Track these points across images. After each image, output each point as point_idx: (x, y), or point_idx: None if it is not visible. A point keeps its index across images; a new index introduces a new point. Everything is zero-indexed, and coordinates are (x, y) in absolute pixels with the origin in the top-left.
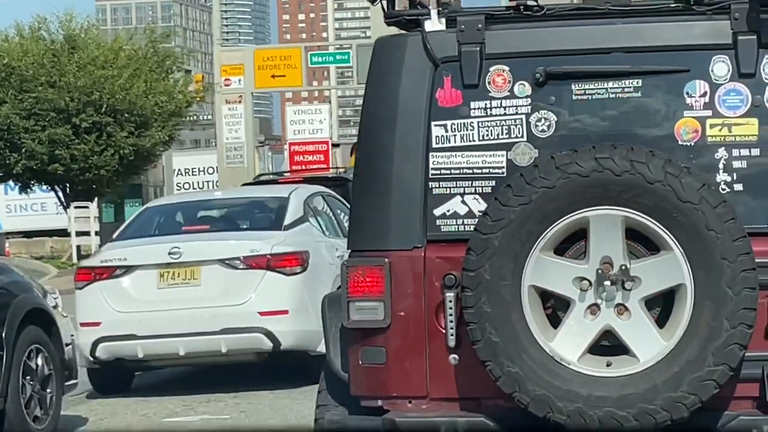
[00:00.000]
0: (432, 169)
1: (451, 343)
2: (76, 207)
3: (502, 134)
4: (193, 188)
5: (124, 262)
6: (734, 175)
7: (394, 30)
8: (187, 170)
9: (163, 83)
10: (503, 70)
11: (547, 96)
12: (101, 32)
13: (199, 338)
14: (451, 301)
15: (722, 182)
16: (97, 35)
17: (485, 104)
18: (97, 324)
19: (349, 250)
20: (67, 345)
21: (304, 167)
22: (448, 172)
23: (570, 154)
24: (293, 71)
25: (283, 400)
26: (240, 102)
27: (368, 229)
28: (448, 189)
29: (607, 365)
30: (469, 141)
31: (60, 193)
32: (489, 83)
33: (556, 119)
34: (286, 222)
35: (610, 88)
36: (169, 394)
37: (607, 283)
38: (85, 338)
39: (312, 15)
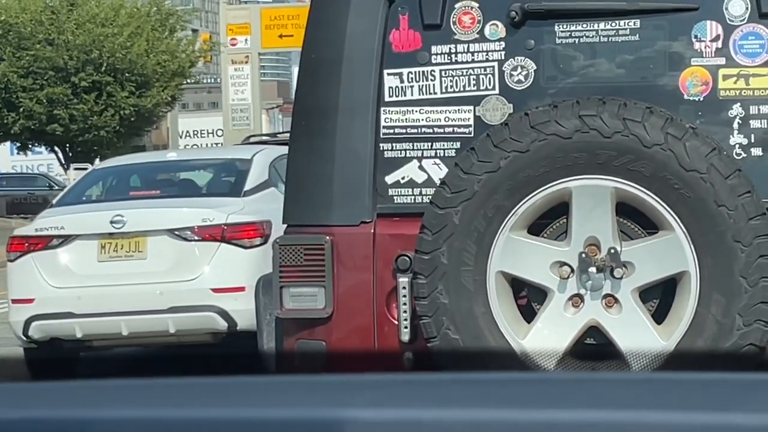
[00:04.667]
0: (384, 127)
1: (405, 337)
2: (75, 168)
3: (470, 86)
4: None
5: (61, 231)
6: (752, 137)
7: None
8: (195, 132)
9: (165, 42)
10: (471, 8)
11: (525, 39)
12: None
13: (144, 317)
14: (405, 288)
15: (737, 146)
16: None
17: (449, 49)
18: (30, 301)
19: (284, 225)
20: None
21: None
22: (404, 131)
23: (548, 111)
24: (301, 31)
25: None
26: (246, 62)
27: (306, 201)
28: (403, 152)
29: (592, 369)
30: (430, 94)
31: (60, 154)
32: (454, 23)
33: (535, 68)
34: (247, 187)
35: (602, 30)
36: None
37: (593, 269)
38: (16, 316)
39: None
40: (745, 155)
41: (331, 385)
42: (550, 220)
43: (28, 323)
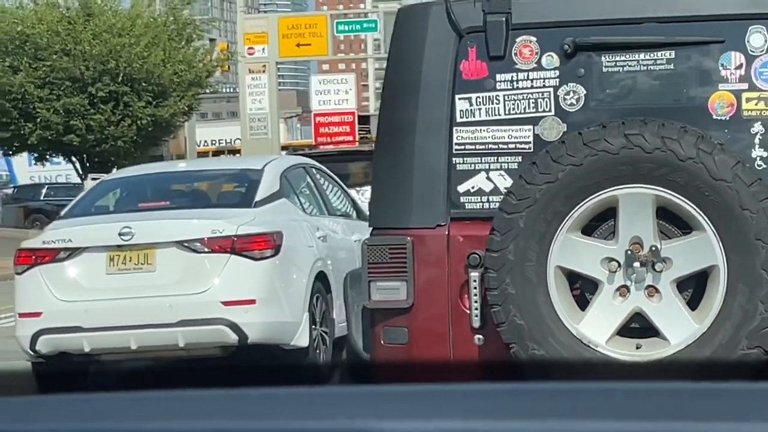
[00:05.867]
0: (456, 144)
1: (476, 323)
2: (93, 179)
3: (529, 108)
4: None
5: (68, 244)
6: None
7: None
8: (213, 141)
9: (182, 52)
10: (530, 41)
11: (576, 68)
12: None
13: (153, 331)
14: (475, 281)
15: (758, 159)
16: (114, 2)
17: (511, 77)
18: (37, 314)
19: (371, 228)
20: None
21: (329, 139)
22: (473, 147)
23: (598, 130)
24: (319, 40)
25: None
26: (264, 72)
27: (390, 207)
28: (473, 165)
29: (637, 348)
30: (495, 115)
31: (77, 165)
32: (515, 55)
33: (585, 92)
34: (258, 198)
35: (642, 59)
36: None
37: (637, 264)
38: (24, 330)
39: None
40: (765, 166)
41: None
42: (601, 223)
43: (35, 337)
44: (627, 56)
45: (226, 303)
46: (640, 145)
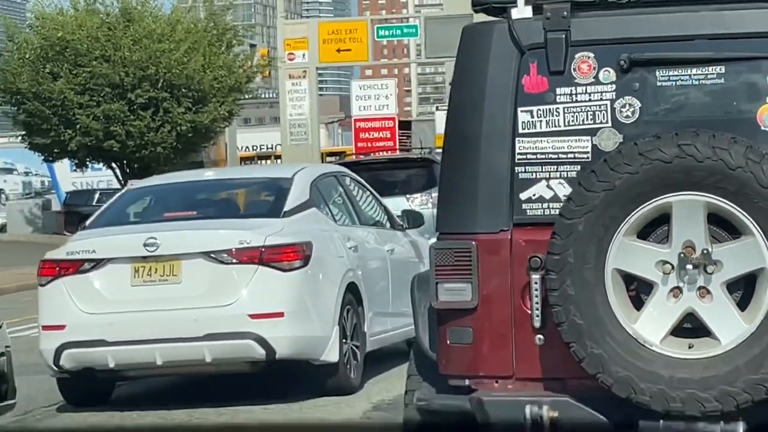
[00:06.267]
0: (518, 153)
1: (537, 323)
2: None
3: (587, 120)
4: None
5: (92, 255)
6: None
7: (459, 7)
8: (254, 147)
9: (222, 57)
10: (588, 57)
11: (632, 82)
12: (158, 5)
13: (179, 345)
14: (536, 283)
15: None
16: (154, 8)
17: (570, 90)
18: (61, 327)
19: (438, 233)
20: (7, 348)
21: (369, 144)
22: (534, 156)
23: (653, 141)
24: (359, 45)
25: (277, 416)
26: (304, 77)
27: (456, 213)
28: (534, 173)
29: (689, 347)
30: (555, 126)
31: (117, 171)
32: (574, 70)
33: (640, 105)
34: (287, 208)
35: (694, 74)
36: (151, 406)
37: (690, 266)
38: (47, 344)
39: None
40: None
41: None
42: (655, 227)
43: (59, 351)
44: (679, 71)
45: (253, 316)
46: (693, 155)
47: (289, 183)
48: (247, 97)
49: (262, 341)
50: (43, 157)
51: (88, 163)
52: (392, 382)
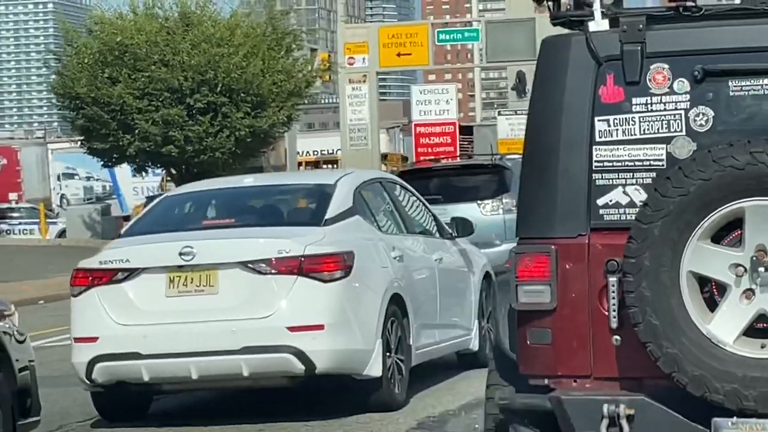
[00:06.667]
0: (595, 161)
1: (614, 324)
2: None
3: (662, 129)
4: None
5: (126, 264)
6: None
7: (522, 11)
8: (314, 152)
9: (281, 62)
10: (663, 68)
11: (705, 92)
12: (218, 9)
13: (215, 358)
14: (613, 286)
15: None
16: (213, 12)
17: (646, 100)
18: (93, 339)
19: (518, 237)
20: (22, 371)
21: (429, 150)
22: (611, 164)
23: (726, 148)
24: (420, 49)
25: None
26: (364, 81)
27: (535, 218)
28: (611, 180)
29: (762, 347)
30: (631, 135)
31: (176, 176)
32: (650, 80)
33: (713, 114)
34: (328, 215)
35: (765, 84)
36: (188, 422)
37: (762, 269)
38: (79, 356)
39: None
40: None
41: None
42: (728, 231)
43: (91, 365)
44: (752, 81)
45: (292, 329)
46: (764, 162)
47: (332, 189)
48: (306, 102)
49: (301, 355)
50: (102, 162)
51: (147, 168)
52: (439, 398)
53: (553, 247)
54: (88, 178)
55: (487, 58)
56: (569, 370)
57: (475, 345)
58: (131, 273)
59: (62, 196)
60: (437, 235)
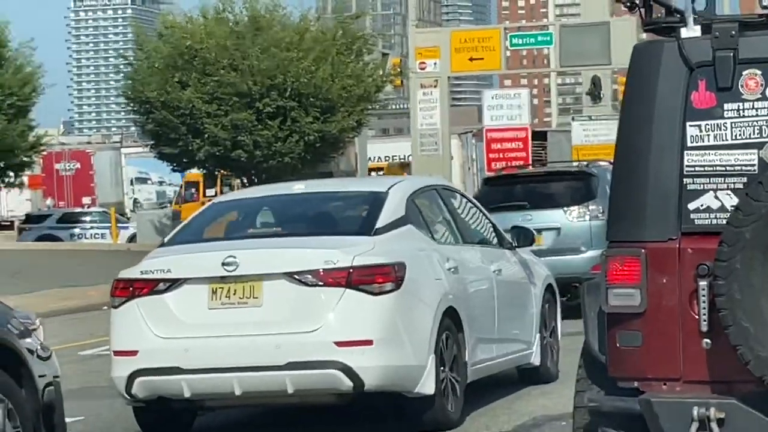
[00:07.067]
0: (687, 166)
1: (704, 328)
2: None
3: (754, 134)
4: None
5: (167, 275)
6: None
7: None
8: (386, 157)
9: (350, 66)
10: (756, 74)
11: None
12: (287, 13)
13: (259, 374)
14: (704, 289)
15: None
16: (283, 16)
17: (738, 106)
18: (133, 353)
19: (608, 240)
20: (47, 387)
21: (501, 155)
22: (702, 169)
23: None
24: (492, 54)
25: None
26: (435, 86)
27: (626, 222)
28: (702, 185)
29: None
30: (722, 140)
31: (245, 181)
32: (742, 86)
33: None
34: (379, 224)
35: None
36: None
37: None
38: (119, 370)
39: (533, 1)
40: None
41: None
42: None
43: (131, 379)
44: None
45: (339, 343)
46: None
47: (383, 197)
48: (376, 107)
49: (348, 371)
50: (171, 167)
51: (216, 173)
52: (495, 416)
53: (643, 250)
54: (160, 183)
55: (561, 63)
56: (659, 373)
57: (536, 359)
58: (173, 284)
59: (135, 201)
60: (496, 245)
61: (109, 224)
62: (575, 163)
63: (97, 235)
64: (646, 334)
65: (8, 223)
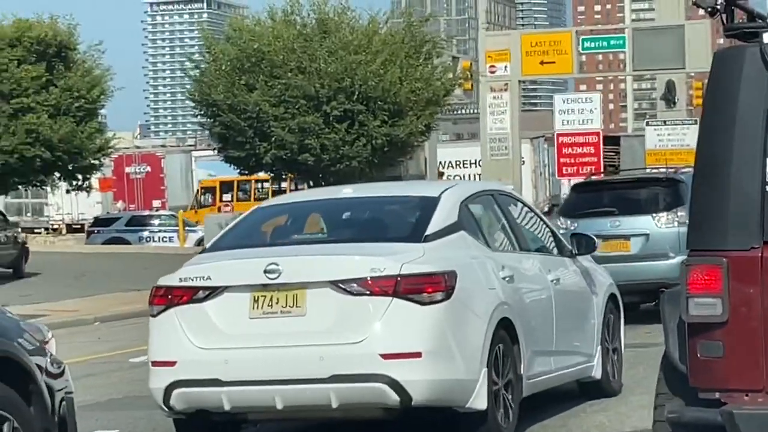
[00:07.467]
0: None
1: None
2: None
3: None
4: None
5: (207, 282)
6: None
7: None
8: (457, 162)
9: (419, 69)
10: None
11: None
12: (356, 15)
13: (301, 387)
14: None
15: None
16: (351, 19)
17: None
18: (171, 363)
19: (689, 249)
20: (60, 403)
21: (572, 160)
22: None
23: None
24: (563, 57)
25: None
26: (505, 90)
27: (707, 230)
28: None
29: None
30: None
31: (312, 185)
32: None
33: None
34: (429, 231)
35: None
36: None
37: None
38: (157, 382)
39: (608, 6)
40: None
41: None
42: None
43: (169, 391)
44: None
45: (386, 356)
46: None
47: (435, 202)
48: (445, 111)
49: (395, 385)
50: (239, 170)
51: (283, 176)
52: None
53: (724, 259)
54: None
55: (634, 67)
56: (741, 384)
57: (597, 373)
58: (213, 292)
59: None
60: (556, 252)
61: (178, 227)
62: (662, 169)
63: (165, 239)
64: (727, 344)
65: (79, 226)
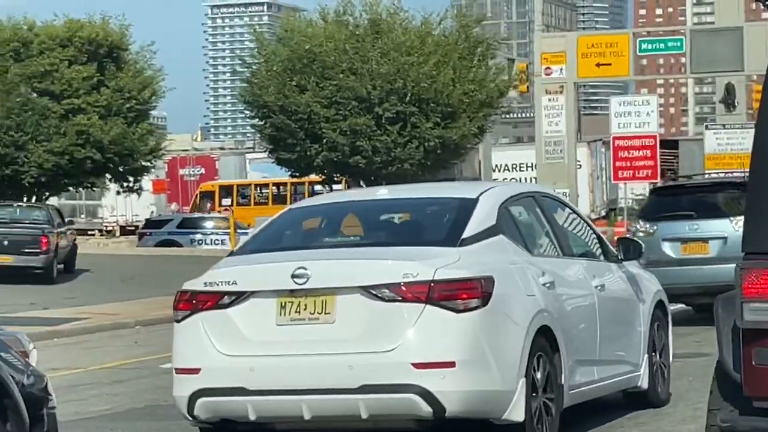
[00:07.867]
0: None
1: None
2: None
3: None
4: None
5: (233, 287)
6: None
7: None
8: (513, 165)
9: (473, 71)
10: None
11: None
12: (409, 16)
13: (329, 397)
14: None
15: None
16: (404, 20)
17: None
18: (195, 371)
19: (744, 253)
20: (51, 409)
21: (628, 164)
22: None
23: None
24: (620, 59)
25: None
26: (561, 92)
27: (764, 233)
28: None
29: None
30: None
31: (364, 187)
32: None
33: None
34: (466, 234)
35: None
36: None
37: None
38: (180, 390)
39: (670, 9)
40: None
41: None
42: None
43: (193, 399)
44: None
45: (418, 365)
46: None
47: (473, 204)
48: (499, 113)
49: (428, 396)
50: (290, 172)
51: (334, 178)
52: None
53: None
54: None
55: (692, 69)
56: None
57: (644, 382)
58: (238, 297)
59: None
60: (601, 258)
61: (229, 230)
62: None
63: (217, 241)
64: None
65: (133, 228)
